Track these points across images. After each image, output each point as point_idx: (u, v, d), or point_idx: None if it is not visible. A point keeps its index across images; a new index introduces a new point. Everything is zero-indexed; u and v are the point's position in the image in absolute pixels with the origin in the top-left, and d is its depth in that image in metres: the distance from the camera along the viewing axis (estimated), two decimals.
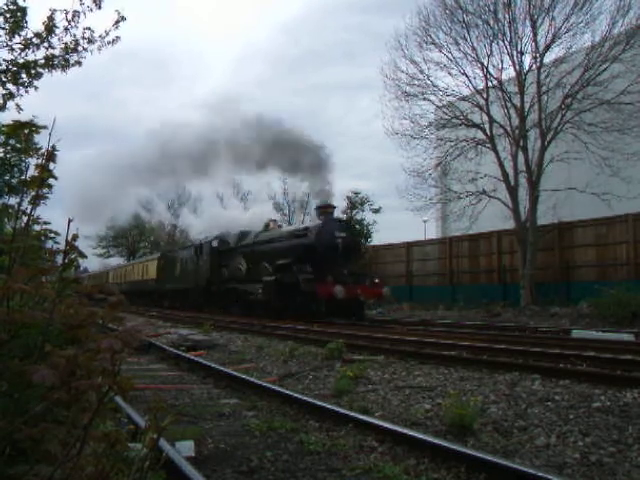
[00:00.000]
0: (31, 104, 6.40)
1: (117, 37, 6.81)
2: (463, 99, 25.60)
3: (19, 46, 6.52)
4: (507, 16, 23.52)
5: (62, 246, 1.74)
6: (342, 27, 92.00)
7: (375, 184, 71.12)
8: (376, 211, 34.99)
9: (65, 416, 1.59)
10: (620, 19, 21.08)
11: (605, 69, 21.19)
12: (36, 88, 6.73)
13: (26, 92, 6.68)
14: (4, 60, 6.55)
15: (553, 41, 22.91)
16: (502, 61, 24.23)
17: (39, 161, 1.78)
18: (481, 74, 24.76)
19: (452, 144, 25.69)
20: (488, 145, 24.86)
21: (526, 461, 4.10)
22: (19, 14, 6.43)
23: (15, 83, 6.58)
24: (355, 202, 35.06)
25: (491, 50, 24.23)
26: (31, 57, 6.57)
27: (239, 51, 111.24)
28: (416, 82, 25.60)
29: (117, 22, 6.73)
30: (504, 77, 24.58)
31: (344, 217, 30.19)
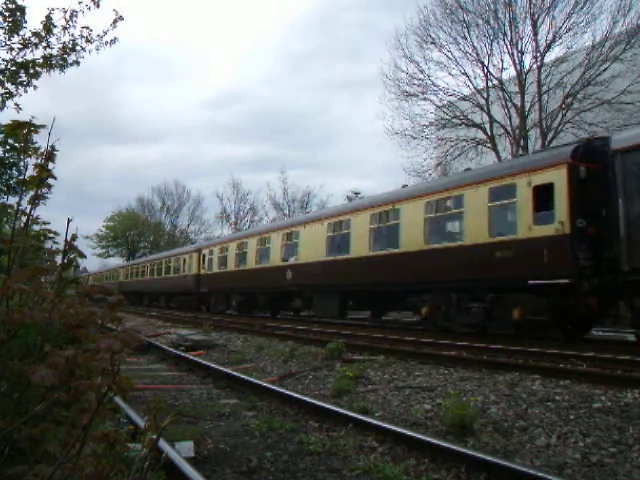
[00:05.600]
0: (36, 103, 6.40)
1: (115, 38, 6.80)
2: (463, 99, 25.60)
3: (18, 45, 6.50)
4: (508, 15, 23.54)
5: (61, 246, 1.74)
6: (349, 25, 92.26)
7: (379, 184, 71.71)
8: None
9: (65, 416, 1.58)
10: (621, 19, 21.13)
11: (606, 69, 21.19)
12: (35, 87, 6.72)
13: (25, 92, 6.67)
14: (3, 60, 6.54)
15: (554, 40, 22.95)
16: (502, 60, 24.27)
17: (38, 161, 1.77)
18: (481, 74, 24.80)
19: (452, 144, 25.70)
20: (488, 145, 24.87)
21: (526, 461, 4.09)
22: (18, 13, 6.42)
23: (14, 82, 6.57)
24: None
25: (491, 49, 24.27)
26: (30, 56, 6.56)
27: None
28: (416, 82, 25.65)
29: (115, 22, 6.72)
30: (504, 77, 24.61)
31: None
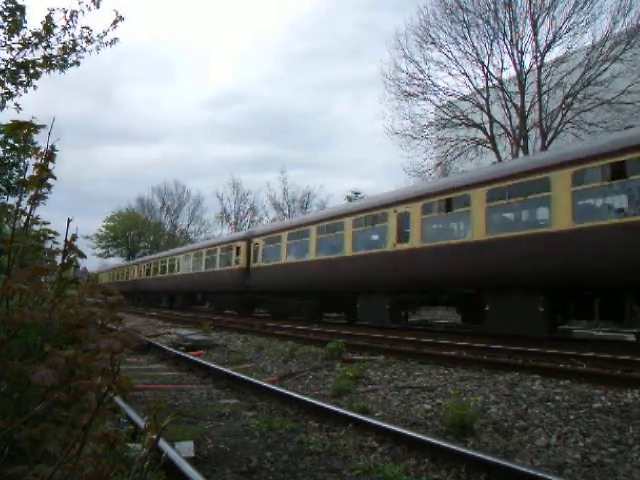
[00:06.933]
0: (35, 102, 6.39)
1: (115, 38, 6.79)
2: (463, 99, 25.62)
3: (18, 45, 6.49)
4: (508, 15, 23.55)
5: (61, 246, 1.74)
6: (351, 24, 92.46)
7: (379, 184, 72.15)
8: None
9: (65, 416, 1.58)
10: (621, 19, 21.16)
11: (606, 69, 21.20)
12: (35, 87, 6.71)
13: (25, 92, 6.67)
14: (3, 60, 6.53)
15: (554, 41, 22.97)
16: (502, 61, 24.30)
17: (38, 161, 1.77)
18: (481, 74, 24.83)
19: (452, 144, 25.72)
20: (488, 145, 24.88)
21: (526, 461, 4.09)
22: (18, 13, 6.42)
23: (14, 82, 6.56)
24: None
25: (491, 49, 24.29)
26: (30, 56, 6.55)
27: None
28: (416, 82, 25.68)
29: (115, 22, 6.71)
30: (504, 77, 24.62)
31: None
